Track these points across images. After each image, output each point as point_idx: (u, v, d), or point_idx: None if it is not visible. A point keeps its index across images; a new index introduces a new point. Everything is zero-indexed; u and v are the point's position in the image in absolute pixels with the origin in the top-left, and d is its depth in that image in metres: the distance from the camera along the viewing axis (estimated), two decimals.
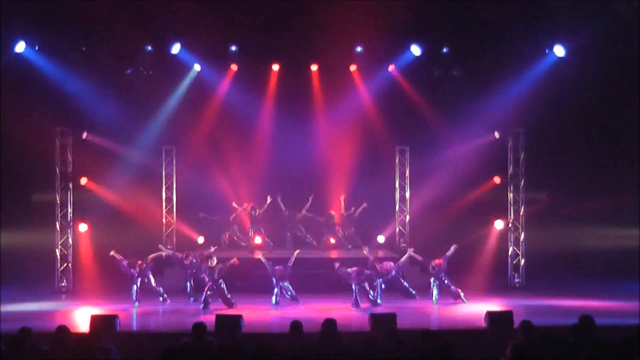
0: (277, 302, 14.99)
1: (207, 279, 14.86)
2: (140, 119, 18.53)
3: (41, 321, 12.43)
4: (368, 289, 14.88)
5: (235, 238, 19.01)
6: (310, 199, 18.78)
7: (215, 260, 14.96)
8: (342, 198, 19.14)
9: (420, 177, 19.15)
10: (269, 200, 18.56)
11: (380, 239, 19.53)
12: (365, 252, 15.76)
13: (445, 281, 15.26)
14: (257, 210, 18.53)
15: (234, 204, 18.81)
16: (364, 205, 18.68)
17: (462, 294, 15.25)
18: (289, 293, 15.14)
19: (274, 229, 18.98)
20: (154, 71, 17.91)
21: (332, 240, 19.05)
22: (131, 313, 14.43)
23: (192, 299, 15.67)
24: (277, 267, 15.12)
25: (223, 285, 14.78)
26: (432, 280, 15.33)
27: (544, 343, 8.01)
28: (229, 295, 14.76)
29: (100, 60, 17.45)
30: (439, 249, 15.88)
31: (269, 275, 15.17)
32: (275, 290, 15.03)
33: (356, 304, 14.79)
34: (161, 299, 15.42)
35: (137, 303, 15.08)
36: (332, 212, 18.90)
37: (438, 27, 17.35)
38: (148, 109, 18.64)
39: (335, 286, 16.50)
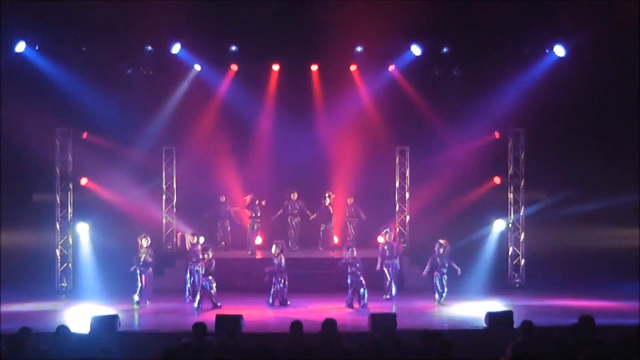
0: (273, 302, 15.00)
1: (200, 277, 14.92)
2: (140, 119, 18.52)
3: (41, 321, 12.44)
4: (363, 285, 14.86)
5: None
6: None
7: (211, 254, 14.99)
8: (349, 201, 19.10)
9: (420, 177, 19.14)
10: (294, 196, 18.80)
11: (381, 239, 19.51)
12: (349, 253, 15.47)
13: (445, 277, 15.30)
14: (259, 202, 18.54)
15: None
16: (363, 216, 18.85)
17: (444, 296, 15.29)
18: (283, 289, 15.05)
19: (272, 229, 19.01)
20: (154, 71, 17.91)
21: (336, 240, 19.05)
22: (131, 313, 14.43)
23: (188, 299, 15.69)
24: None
25: (213, 284, 14.80)
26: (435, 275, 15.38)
27: (544, 343, 8.02)
28: (214, 297, 14.78)
29: (101, 60, 17.44)
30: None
31: (274, 270, 15.06)
32: (273, 289, 15.03)
33: (350, 304, 14.79)
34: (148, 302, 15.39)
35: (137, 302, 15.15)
36: (329, 193, 18.89)
37: (438, 27, 17.34)
38: (148, 109, 18.62)
39: (335, 286, 16.51)
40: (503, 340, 8.61)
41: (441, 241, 15.50)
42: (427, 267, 15.50)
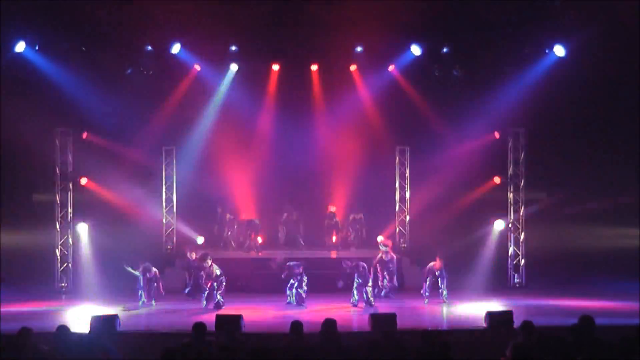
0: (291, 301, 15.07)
1: (205, 278, 14.95)
2: (140, 119, 18.51)
3: (41, 321, 12.43)
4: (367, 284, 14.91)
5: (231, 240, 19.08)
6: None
7: (210, 261, 14.97)
8: (358, 216, 19.17)
9: (420, 177, 19.14)
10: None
11: (380, 239, 19.55)
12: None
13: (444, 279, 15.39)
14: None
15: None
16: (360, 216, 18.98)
17: (445, 295, 15.38)
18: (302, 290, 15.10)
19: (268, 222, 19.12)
20: (154, 71, 17.90)
21: (334, 239, 19.04)
22: (131, 313, 14.43)
23: (190, 297, 15.75)
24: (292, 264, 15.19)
25: (219, 283, 14.80)
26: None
27: (544, 343, 8.01)
28: (218, 298, 14.82)
29: (100, 60, 17.43)
30: (438, 249, 15.94)
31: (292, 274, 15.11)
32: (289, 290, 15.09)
33: (354, 303, 14.84)
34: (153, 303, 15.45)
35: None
36: (332, 210, 18.94)
37: (438, 27, 17.34)
38: (148, 109, 18.62)
39: (335, 286, 16.51)
40: (503, 340, 8.59)
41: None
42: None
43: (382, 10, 16.46)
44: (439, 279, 15.46)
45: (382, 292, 15.99)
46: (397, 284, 16.15)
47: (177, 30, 17.29)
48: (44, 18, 16.49)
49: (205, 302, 14.85)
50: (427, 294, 15.48)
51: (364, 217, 19.24)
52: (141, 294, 15.25)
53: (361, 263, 15.12)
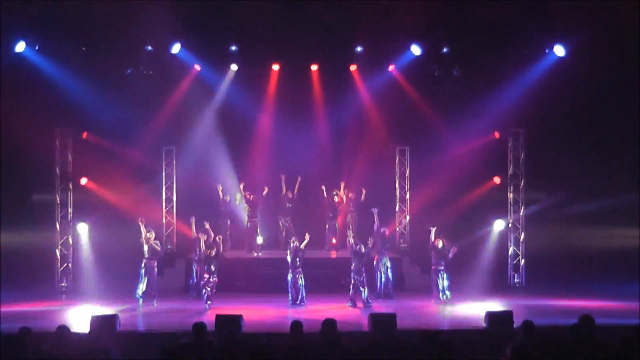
0: (293, 302, 15.05)
1: (204, 272, 14.97)
2: (140, 119, 18.51)
3: (41, 321, 12.44)
4: (364, 285, 14.91)
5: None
6: (299, 178, 18.80)
7: (214, 252, 15.01)
8: (342, 184, 19.10)
9: (420, 177, 19.15)
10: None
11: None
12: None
13: (446, 279, 15.33)
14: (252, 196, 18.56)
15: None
16: (363, 191, 18.77)
17: (447, 295, 15.33)
18: (301, 293, 15.09)
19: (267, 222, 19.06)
20: (154, 71, 17.90)
21: (334, 241, 19.01)
22: (131, 313, 14.43)
23: (192, 296, 15.78)
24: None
25: (213, 279, 14.84)
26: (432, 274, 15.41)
27: (544, 343, 8.01)
28: (208, 292, 14.86)
29: (100, 60, 17.43)
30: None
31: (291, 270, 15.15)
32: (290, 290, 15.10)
33: (353, 304, 14.84)
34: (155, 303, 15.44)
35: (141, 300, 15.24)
36: (336, 191, 18.88)
37: (438, 27, 17.35)
38: (148, 109, 18.61)
39: (335, 286, 16.53)
40: (503, 340, 8.60)
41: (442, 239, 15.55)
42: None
43: (382, 10, 16.47)
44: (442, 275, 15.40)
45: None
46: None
47: (177, 30, 17.29)
48: (44, 18, 16.49)
49: (204, 296, 14.86)
50: (441, 296, 15.43)
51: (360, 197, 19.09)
52: (140, 293, 15.19)
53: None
